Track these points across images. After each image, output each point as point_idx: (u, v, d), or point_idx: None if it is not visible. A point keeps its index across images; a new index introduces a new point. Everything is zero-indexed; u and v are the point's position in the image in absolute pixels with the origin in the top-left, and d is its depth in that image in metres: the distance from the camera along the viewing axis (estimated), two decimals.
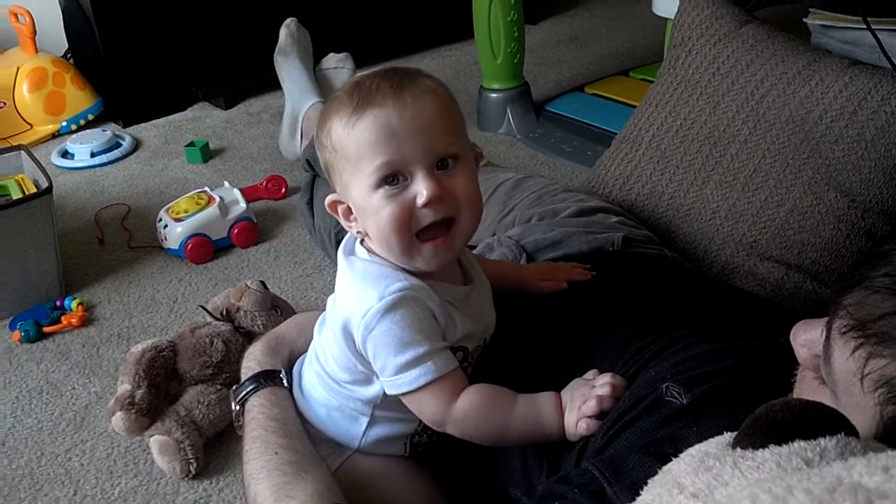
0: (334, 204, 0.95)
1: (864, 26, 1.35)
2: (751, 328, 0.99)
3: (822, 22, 1.52)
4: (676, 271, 1.23)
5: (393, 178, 0.88)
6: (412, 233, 0.90)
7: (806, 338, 0.75)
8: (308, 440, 1.02)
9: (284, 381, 1.08)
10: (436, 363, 0.91)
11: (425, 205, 0.88)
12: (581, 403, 0.90)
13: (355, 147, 0.89)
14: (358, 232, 0.95)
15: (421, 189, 0.88)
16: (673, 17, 1.64)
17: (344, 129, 0.89)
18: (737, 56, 1.45)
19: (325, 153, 0.94)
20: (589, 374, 0.95)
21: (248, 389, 1.06)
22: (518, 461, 0.98)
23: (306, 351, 1.11)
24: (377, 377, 0.95)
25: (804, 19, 1.57)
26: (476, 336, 0.99)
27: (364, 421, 1.01)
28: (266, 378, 1.07)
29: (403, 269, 0.93)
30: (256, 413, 1.03)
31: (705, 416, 0.80)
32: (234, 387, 1.10)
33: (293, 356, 1.13)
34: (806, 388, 0.76)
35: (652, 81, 1.63)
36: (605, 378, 0.92)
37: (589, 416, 0.89)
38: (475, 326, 0.98)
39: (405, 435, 1.03)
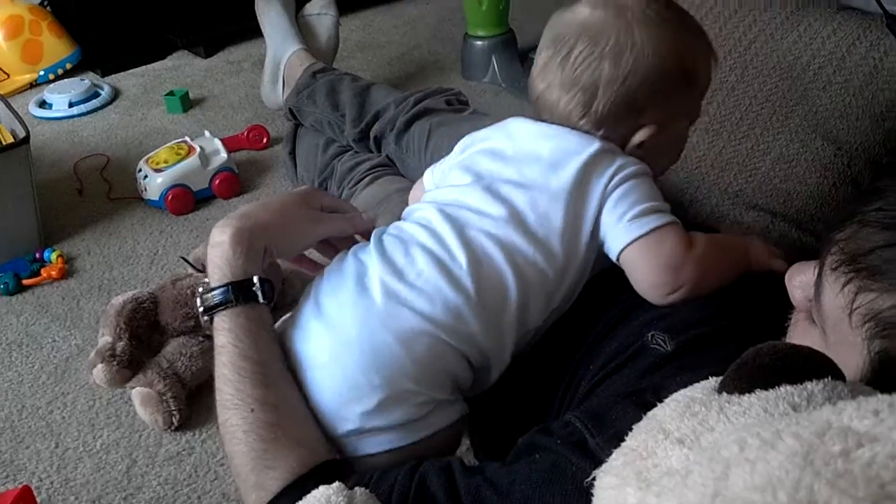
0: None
1: None
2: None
3: None
4: None
5: None
6: None
7: (801, 280, 0.74)
8: (287, 382, 0.91)
9: (260, 295, 0.93)
10: (674, 216, 0.94)
11: None
12: None
13: None
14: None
15: None
16: None
17: None
18: (723, 2, 1.43)
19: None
20: None
21: (217, 304, 0.92)
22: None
23: (288, 253, 1.00)
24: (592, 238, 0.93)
25: None
26: None
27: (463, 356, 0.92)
28: (237, 292, 0.92)
29: None
30: (226, 342, 0.91)
31: (689, 364, 0.80)
32: (199, 287, 0.96)
33: (270, 254, 0.98)
34: (797, 330, 0.75)
35: None
36: None
37: None
38: None
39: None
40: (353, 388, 0.88)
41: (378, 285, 0.90)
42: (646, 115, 0.94)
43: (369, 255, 0.94)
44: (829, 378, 0.60)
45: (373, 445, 0.90)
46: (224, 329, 0.92)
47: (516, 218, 0.91)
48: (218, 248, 0.95)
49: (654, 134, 0.95)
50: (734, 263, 0.95)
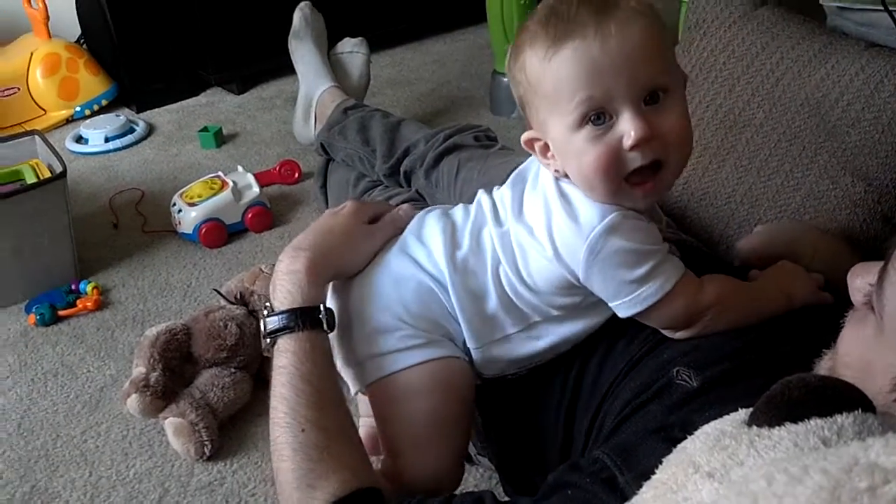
0: (531, 141, 0.90)
1: (881, 8, 1.34)
2: None
3: (839, 4, 1.50)
4: (693, 255, 1.22)
5: (598, 116, 0.82)
6: (620, 177, 0.84)
7: (863, 280, 0.73)
8: (340, 408, 0.93)
9: (325, 323, 0.95)
10: (674, 263, 0.89)
11: (632, 147, 0.81)
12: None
13: (553, 83, 0.82)
14: (556, 171, 0.89)
15: (628, 129, 0.81)
16: None
17: (540, 63, 0.83)
18: (752, 39, 1.44)
19: (520, 88, 0.88)
20: None
21: (282, 327, 0.94)
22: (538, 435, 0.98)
23: (352, 273, 1.01)
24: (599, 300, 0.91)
25: (820, 1, 1.55)
26: None
27: (530, 321, 0.95)
28: (304, 318, 0.94)
29: None
30: (287, 364, 0.93)
31: (716, 399, 0.80)
32: (265, 309, 0.98)
33: (333, 280, 1.02)
34: (852, 320, 0.75)
35: None
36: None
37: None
38: None
39: (541, 352, 0.98)
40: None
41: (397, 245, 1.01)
42: None
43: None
44: (860, 410, 0.60)
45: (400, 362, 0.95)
46: (287, 351, 0.94)
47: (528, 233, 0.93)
48: (293, 275, 0.97)
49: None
50: (760, 310, 0.94)
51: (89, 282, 1.76)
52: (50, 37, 2.62)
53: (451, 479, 1.01)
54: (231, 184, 1.93)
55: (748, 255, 1.10)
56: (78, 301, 1.71)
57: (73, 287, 1.76)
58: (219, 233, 1.90)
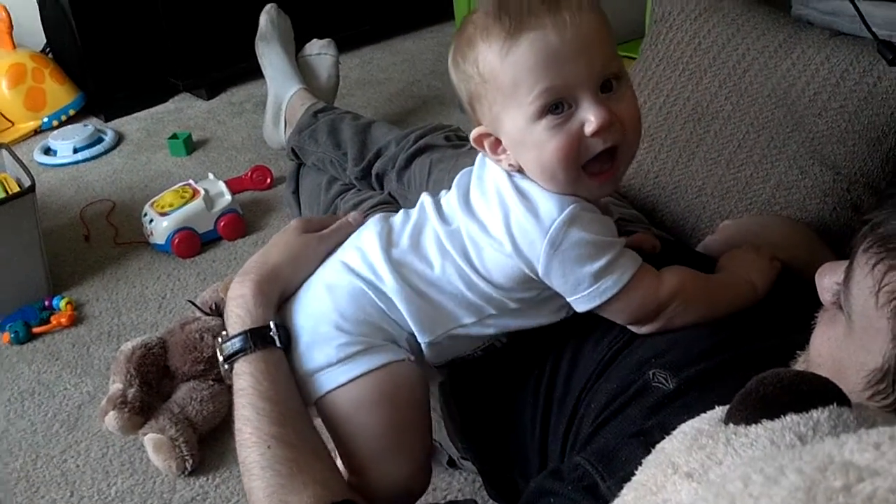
0: (480, 138, 0.90)
1: None
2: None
3: None
4: (665, 249, 1.23)
5: (557, 105, 0.83)
6: (580, 164, 0.85)
7: (831, 279, 0.74)
8: (305, 422, 0.94)
9: (277, 340, 0.96)
10: (631, 256, 0.89)
11: (594, 133, 0.83)
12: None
13: (511, 75, 0.83)
14: (510, 165, 0.90)
15: (589, 116, 0.82)
16: None
17: (497, 55, 0.83)
18: (718, 31, 1.45)
19: (471, 83, 0.87)
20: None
21: (237, 350, 0.95)
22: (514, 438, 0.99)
23: (299, 284, 1.02)
24: (559, 295, 0.91)
25: None
26: None
27: (485, 313, 0.94)
28: (255, 338, 0.95)
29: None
30: (246, 385, 0.94)
31: (694, 400, 0.80)
32: (219, 337, 0.99)
33: (284, 297, 1.02)
34: (823, 319, 0.75)
35: (635, 58, 1.62)
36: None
37: None
38: None
39: (492, 336, 0.99)
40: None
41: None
42: None
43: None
44: (835, 405, 0.60)
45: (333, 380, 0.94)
46: (244, 373, 0.95)
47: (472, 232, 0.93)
48: (239, 299, 0.99)
49: None
50: (726, 300, 0.94)
51: (62, 297, 1.74)
52: (14, 47, 2.59)
53: (420, 481, 1.01)
54: (202, 192, 1.92)
55: (716, 251, 1.11)
56: (52, 317, 1.70)
57: (46, 303, 1.74)
58: (192, 242, 1.88)
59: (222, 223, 1.92)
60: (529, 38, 0.82)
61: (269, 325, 0.96)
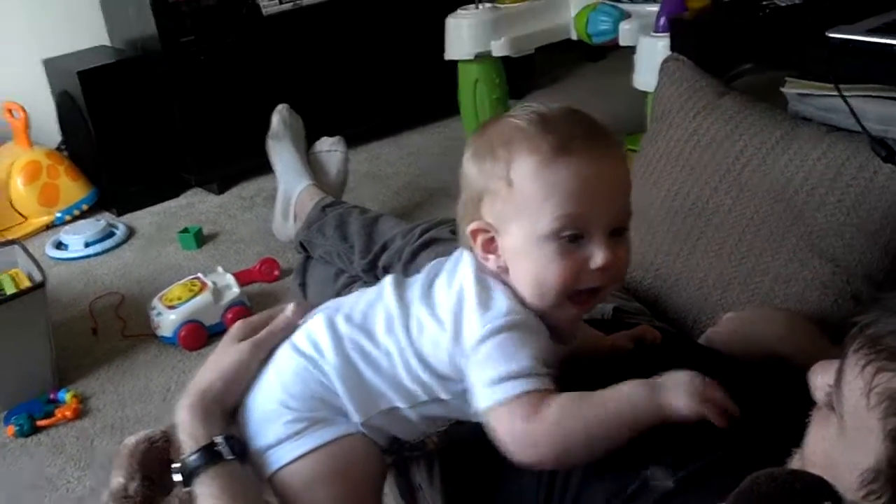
0: (476, 232, 0.90)
1: (838, 93, 1.38)
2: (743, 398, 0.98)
3: (799, 90, 1.54)
4: (667, 341, 1.23)
5: (573, 236, 0.85)
6: (570, 291, 0.87)
7: (824, 380, 0.74)
8: None
9: (225, 452, 0.94)
10: (539, 379, 0.86)
11: (596, 271, 0.86)
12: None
13: (542, 190, 0.85)
14: (499, 267, 0.90)
15: (597, 253, 0.85)
16: (653, 90, 1.67)
17: (534, 167, 0.85)
18: (717, 127, 1.47)
19: (491, 182, 0.88)
20: None
21: (190, 472, 0.94)
22: None
23: (238, 403, 1.00)
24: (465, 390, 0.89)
25: (781, 88, 1.59)
26: None
27: (418, 400, 0.93)
28: (203, 456, 0.93)
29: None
30: None
31: (693, 501, 0.79)
32: (173, 466, 0.98)
33: (226, 411, 0.99)
34: (816, 418, 0.75)
35: (636, 151, 1.65)
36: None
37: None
38: None
39: (424, 434, 0.99)
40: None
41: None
42: None
43: None
44: (829, 503, 0.60)
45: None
46: (203, 494, 0.93)
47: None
48: (181, 426, 0.98)
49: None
50: (597, 420, 0.86)
51: (68, 390, 1.75)
52: (31, 145, 2.65)
53: None
54: (210, 285, 1.94)
55: (718, 343, 1.11)
56: (57, 410, 1.70)
57: (51, 396, 1.74)
58: (198, 335, 1.89)
59: (230, 315, 1.93)
60: (573, 162, 0.84)
61: (213, 440, 0.94)
